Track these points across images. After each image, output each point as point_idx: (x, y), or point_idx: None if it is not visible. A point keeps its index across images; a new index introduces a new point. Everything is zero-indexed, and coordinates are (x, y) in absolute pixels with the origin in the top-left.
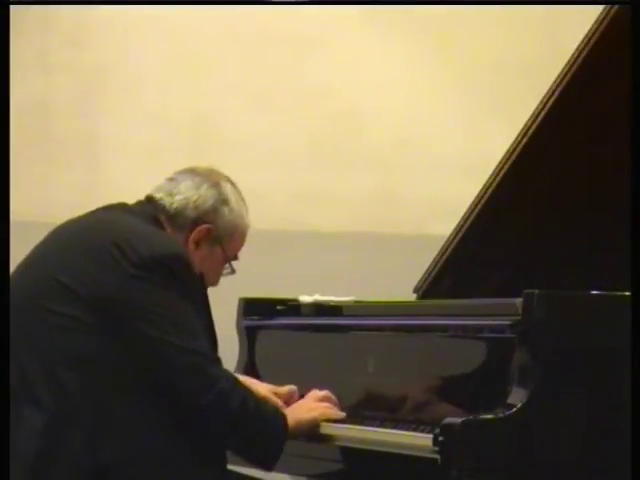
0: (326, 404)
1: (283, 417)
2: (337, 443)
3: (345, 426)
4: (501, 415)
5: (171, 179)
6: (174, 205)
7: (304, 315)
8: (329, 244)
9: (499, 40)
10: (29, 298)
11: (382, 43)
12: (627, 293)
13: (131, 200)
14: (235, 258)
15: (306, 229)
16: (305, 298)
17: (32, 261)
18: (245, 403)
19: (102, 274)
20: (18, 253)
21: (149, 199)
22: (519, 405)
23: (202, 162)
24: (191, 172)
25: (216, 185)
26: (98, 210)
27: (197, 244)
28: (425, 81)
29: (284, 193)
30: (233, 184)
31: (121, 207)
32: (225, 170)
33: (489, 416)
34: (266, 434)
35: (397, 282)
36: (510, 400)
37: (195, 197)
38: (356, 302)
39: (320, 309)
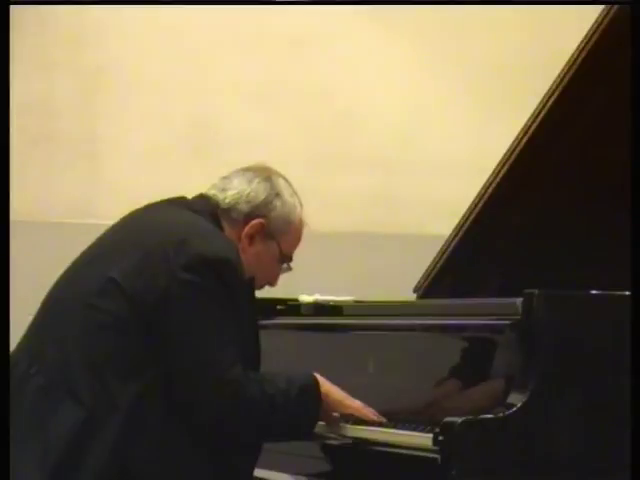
0: (364, 411)
1: (312, 386)
2: (337, 443)
3: (345, 426)
4: (501, 415)
5: (224, 177)
6: (227, 200)
7: (304, 315)
8: (329, 244)
9: (499, 41)
10: (79, 293)
11: (382, 43)
12: (627, 293)
13: (131, 200)
14: (290, 258)
15: (306, 229)
16: (305, 298)
17: (85, 258)
18: (266, 399)
19: (153, 274)
20: (18, 253)
21: (202, 197)
22: (519, 405)
23: (202, 162)
24: (243, 169)
25: (268, 179)
26: (156, 205)
27: (251, 239)
28: (425, 81)
29: None
30: (285, 179)
31: (181, 202)
32: (224, 170)
33: (489, 416)
34: (299, 410)
35: (397, 282)
36: (510, 400)
37: (247, 191)
38: (356, 302)
39: (320, 309)
